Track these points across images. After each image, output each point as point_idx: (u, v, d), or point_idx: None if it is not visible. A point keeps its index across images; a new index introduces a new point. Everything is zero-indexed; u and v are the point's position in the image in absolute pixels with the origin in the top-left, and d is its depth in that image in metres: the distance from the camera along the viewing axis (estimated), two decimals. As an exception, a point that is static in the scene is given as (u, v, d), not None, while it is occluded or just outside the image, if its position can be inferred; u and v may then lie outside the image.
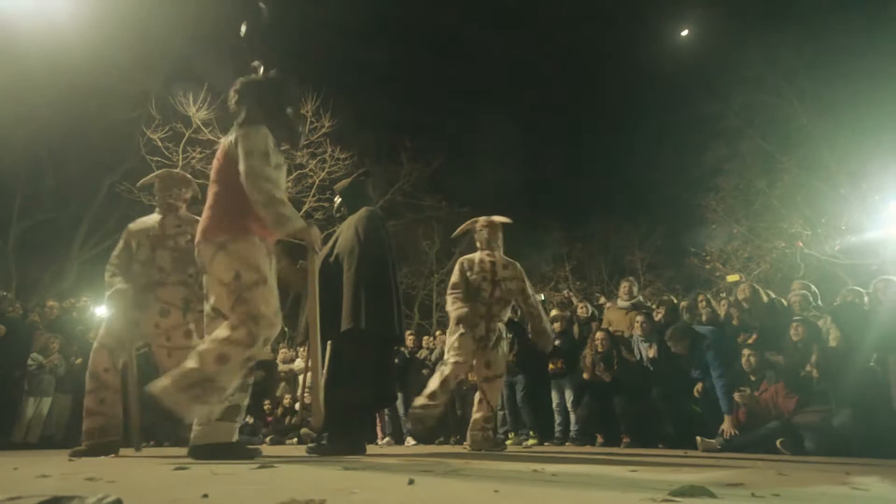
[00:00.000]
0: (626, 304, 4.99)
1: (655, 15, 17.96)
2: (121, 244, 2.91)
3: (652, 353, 4.39)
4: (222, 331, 1.85)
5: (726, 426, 3.60)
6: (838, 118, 11.72)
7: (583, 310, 5.21)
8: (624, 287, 5.18)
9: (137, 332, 2.75)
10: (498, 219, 3.61)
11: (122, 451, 2.68)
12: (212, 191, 2.10)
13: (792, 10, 12.95)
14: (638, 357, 4.60)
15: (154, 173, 3.12)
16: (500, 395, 4.03)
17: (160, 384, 1.73)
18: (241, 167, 1.97)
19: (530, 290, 3.51)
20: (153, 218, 2.98)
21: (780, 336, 3.75)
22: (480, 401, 3.36)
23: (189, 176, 3.13)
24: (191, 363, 1.77)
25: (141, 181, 3.19)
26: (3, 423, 4.74)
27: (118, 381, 2.71)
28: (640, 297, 5.34)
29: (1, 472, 1.56)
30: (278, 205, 1.96)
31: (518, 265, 3.56)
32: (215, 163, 2.14)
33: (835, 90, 11.77)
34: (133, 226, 2.97)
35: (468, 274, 3.40)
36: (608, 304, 5.39)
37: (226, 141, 2.13)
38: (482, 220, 3.62)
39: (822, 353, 3.39)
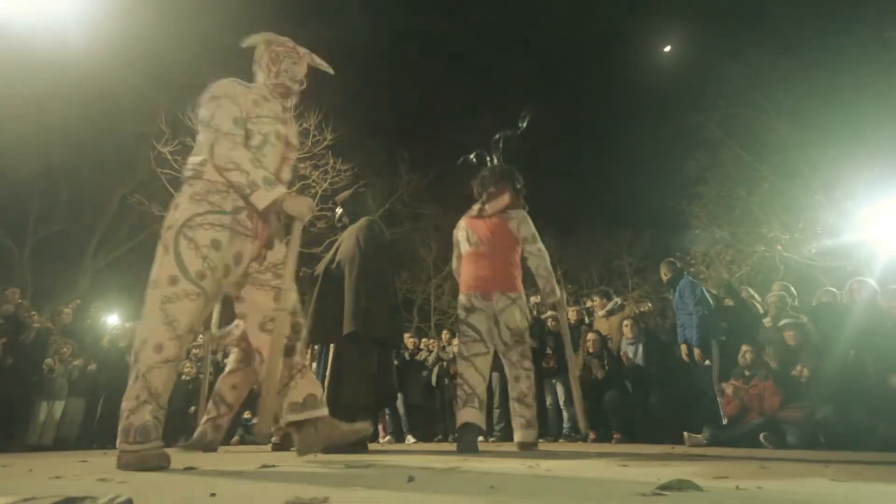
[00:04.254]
0: (603, 312, 5.43)
1: (641, 32, 18.52)
2: (234, 108, 1.78)
3: (640, 350, 4.56)
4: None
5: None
6: (813, 129, 12.12)
7: (573, 313, 5.36)
8: (598, 302, 5.65)
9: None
10: None
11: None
12: (507, 254, 2.66)
13: (769, 29, 13.46)
14: (626, 358, 4.72)
15: (261, 34, 2.06)
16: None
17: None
18: (538, 247, 2.71)
19: None
20: (268, 100, 1.91)
21: (752, 333, 3.94)
22: None
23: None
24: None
25: (246, 41, 2.06)
26: (19, 426, 4.71)
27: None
28: (618, 300, 5.77)
29: (16, 473, 1.55)
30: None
31: None
32: (502, 230, 2.68)
33: (810, 103, 12.18)
34: (236, 90, 1.83)
35: None
36: (596, 309, 5.61)
37: (510, 215, 2.72)
38: None
39: (808, 351, 3.51)
